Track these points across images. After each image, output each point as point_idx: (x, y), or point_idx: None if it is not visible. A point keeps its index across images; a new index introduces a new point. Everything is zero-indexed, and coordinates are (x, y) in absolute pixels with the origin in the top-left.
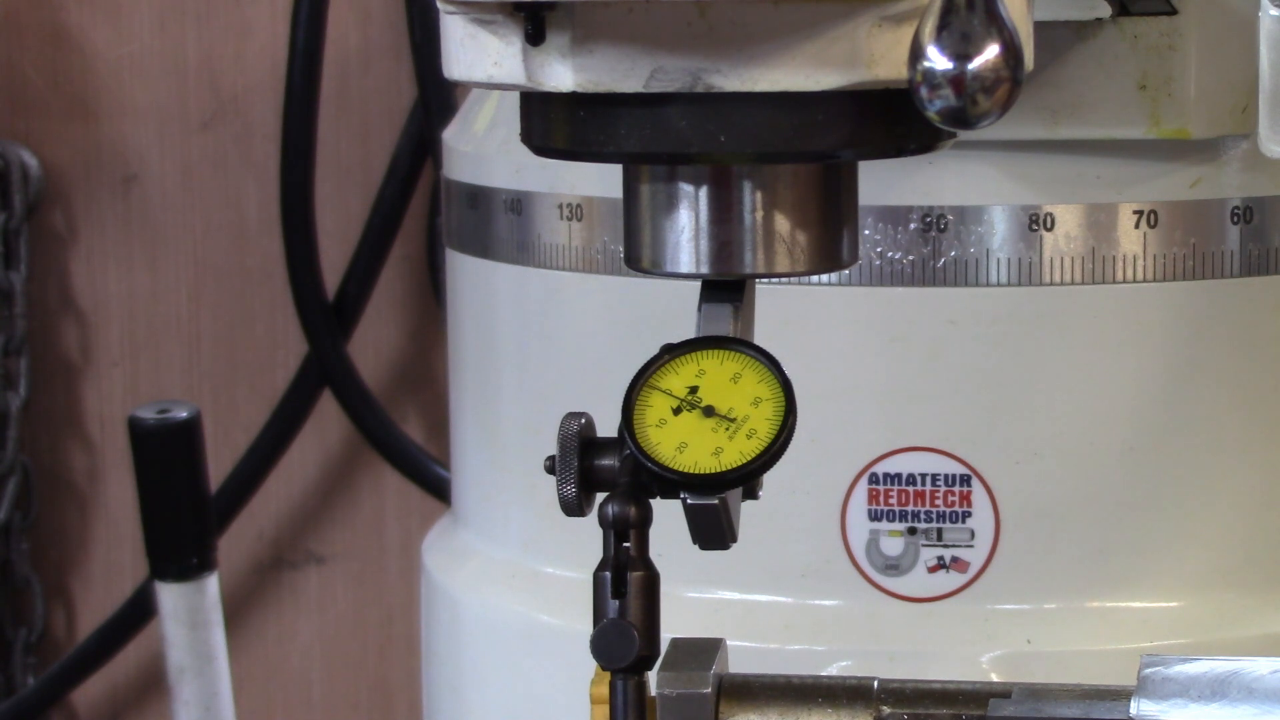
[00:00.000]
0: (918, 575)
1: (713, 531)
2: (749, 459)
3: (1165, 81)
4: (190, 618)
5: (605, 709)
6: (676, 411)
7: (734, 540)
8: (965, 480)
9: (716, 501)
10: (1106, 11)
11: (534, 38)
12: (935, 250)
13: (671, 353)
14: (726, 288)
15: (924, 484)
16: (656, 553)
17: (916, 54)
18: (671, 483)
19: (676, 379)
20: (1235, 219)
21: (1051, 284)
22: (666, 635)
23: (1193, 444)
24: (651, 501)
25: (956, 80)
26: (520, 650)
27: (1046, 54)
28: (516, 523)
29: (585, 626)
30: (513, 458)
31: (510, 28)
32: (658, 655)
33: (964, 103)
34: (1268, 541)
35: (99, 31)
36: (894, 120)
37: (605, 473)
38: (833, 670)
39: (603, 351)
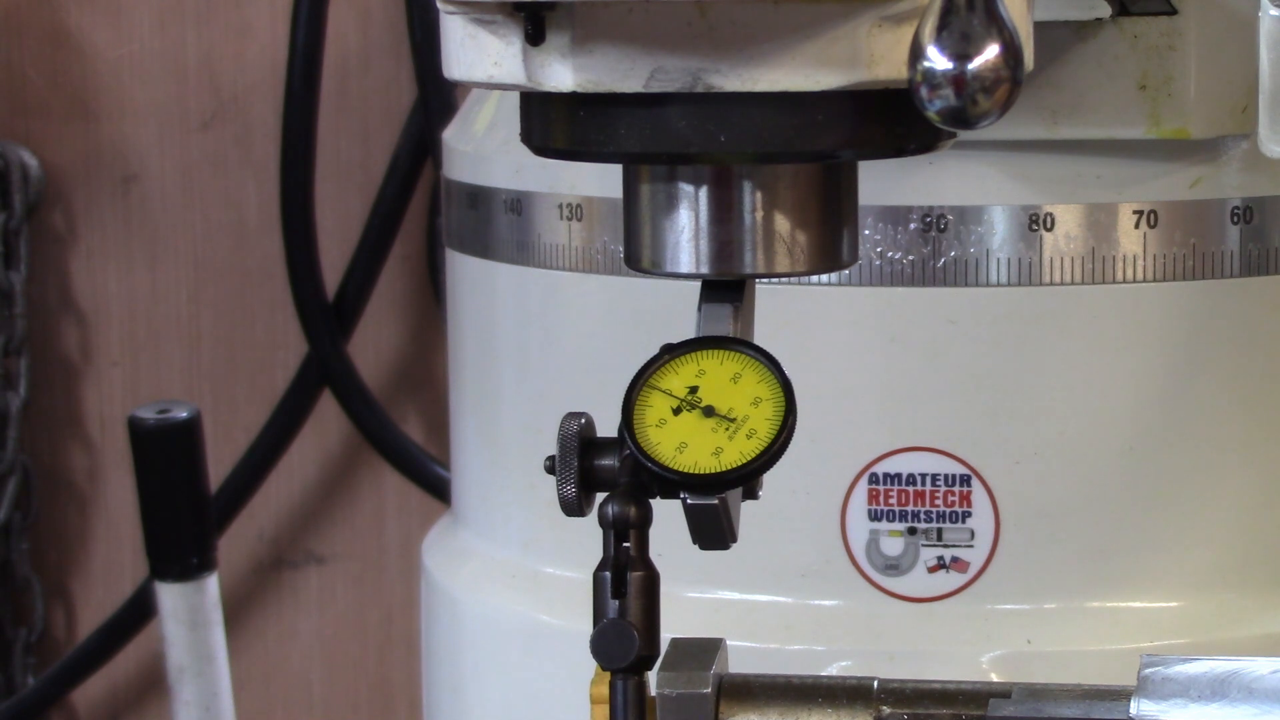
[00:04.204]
0: (918, 575)
1: (713, 531)
2: (749, 459)
3: (1165, 81)
4: (190, 618)
5: (605, 709)
6: (676, 411)
7: (734, 540)
8: (965, 480)
9: (716, 501)
10: (1106, 11)
11: (534, 38)
12: (935, 250)
13: (671, 353)
14: (726, 288)
15: (924, 484)
16: (656, 553)
17: (916, 54)
18: (671, 483)
19: (676, 379)
20: (1235, 219)
21: (1051, 284)
22: (666, 635)
23: (1193, 444)
24: (651, 501)
25: (956, 80)
26: (520, 650)
27: (1046, 54)
28: (516, 523)
29: (585, 626)
30: (513, 458)
31: (510, 28)
32: (658, 655)
33: (964, 103)
34: (1268, 541)
35: (99, 31)
36: (894, 120)
37: (605, 473)
38: (833, 670)
39: (603, 351)
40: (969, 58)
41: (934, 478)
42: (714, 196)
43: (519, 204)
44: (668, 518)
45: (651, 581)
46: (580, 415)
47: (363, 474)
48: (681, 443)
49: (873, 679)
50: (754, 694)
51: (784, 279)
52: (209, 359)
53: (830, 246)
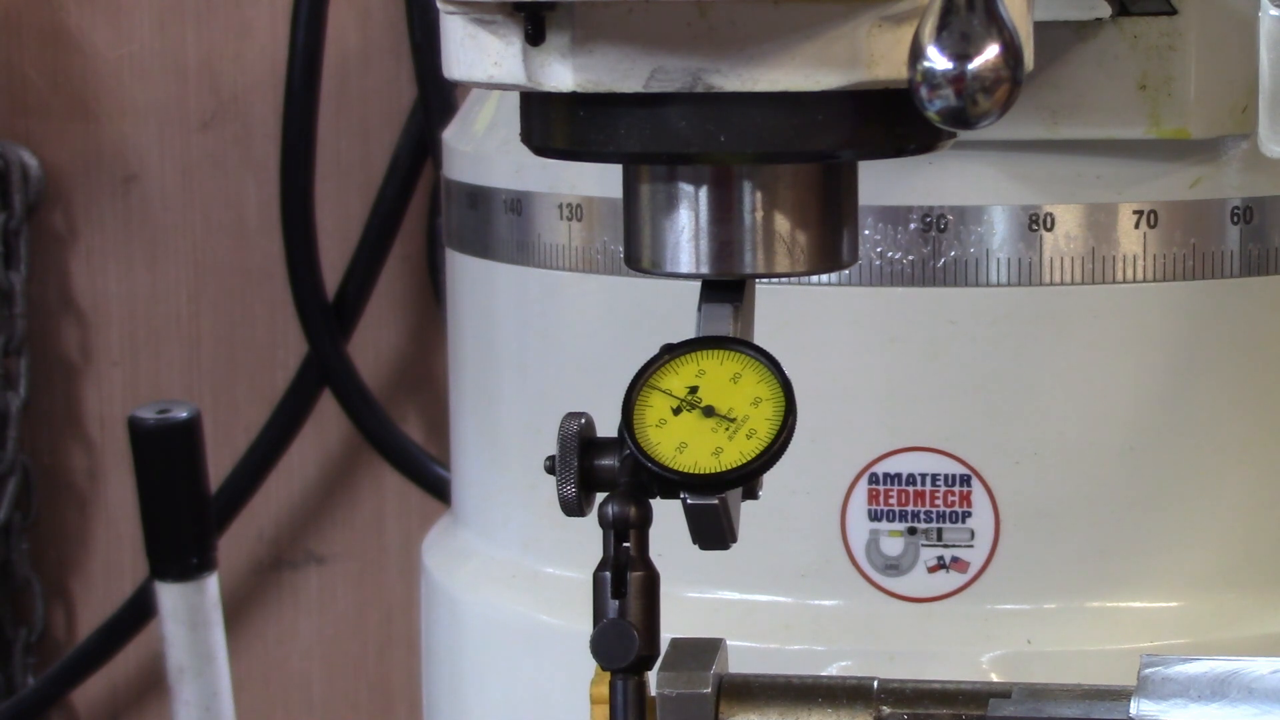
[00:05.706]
0: (918, 575)
1: (713, 531)
2: (749, 459)
3: (1165, 81)
4: (190, 618)
5: (605, 709)
6: (676, 411)
7: (734, 540)
8: (965, 480)
9: (716, 501)
10: (1106, 11)
11: (534, 38)
12: (935, 250)
13: (671, 353)
14: (726, 288)
15: (924, 484)
16: (656, 553)
17: (916, 54)
18: (671, 483)
19: (676, 379)
20: (1235, 219)
21: (1051, 284)
22: (666, 635)
23: (1193, 444)
24: (651, 501)
25: (956, 80)
26: (520, 650)
27: (1046, 54)
28: (516, 523)
29: (585, 626)
30: (513, 458)
31: (510, 28)
32: (658, 655)
33: (964, 103)
34: (1268, 541)
35: (99, 31)
36: (894, 120)
37: (605, 473)
38: (833, 670)
39: (603, 351)
40: (969, 58)
41: (934, 478)
42: (714, 196)
43: (519, 204)
44: (668, 518)
45: (651, 581)
46: (580, 415)
47: (363, 474)
48: (681, 443)
49: (873, 679)
50: (754, 694)
51: (784, 279)
52: (209, 359)
53: (830, 246)
